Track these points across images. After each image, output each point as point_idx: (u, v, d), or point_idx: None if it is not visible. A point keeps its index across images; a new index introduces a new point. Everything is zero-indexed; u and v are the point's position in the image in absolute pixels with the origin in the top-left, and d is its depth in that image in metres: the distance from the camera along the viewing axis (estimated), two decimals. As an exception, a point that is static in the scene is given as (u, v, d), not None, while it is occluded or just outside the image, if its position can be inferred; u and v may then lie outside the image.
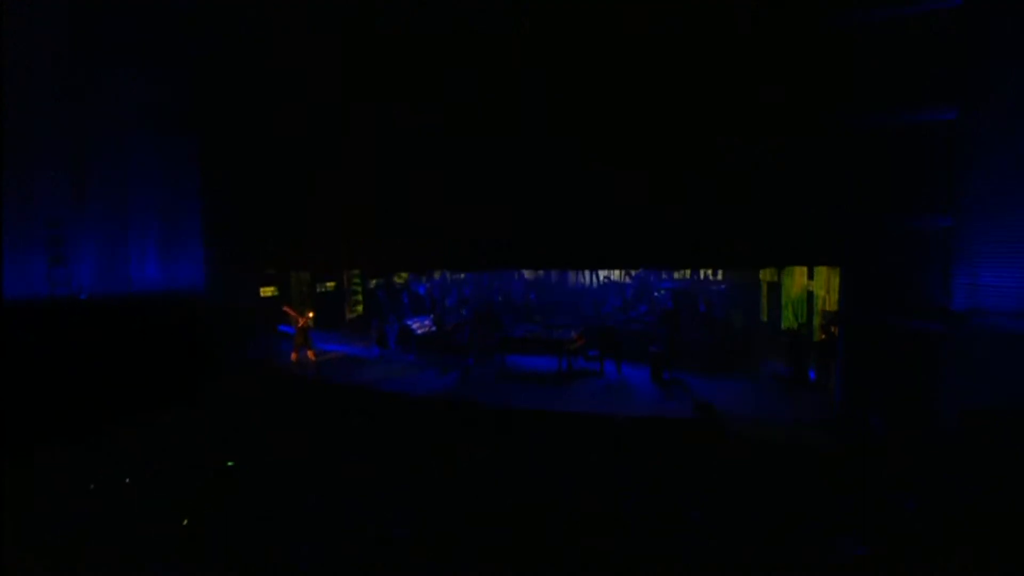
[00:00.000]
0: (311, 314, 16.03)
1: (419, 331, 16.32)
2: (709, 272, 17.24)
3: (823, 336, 11.47)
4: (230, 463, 7.38)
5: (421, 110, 11.46)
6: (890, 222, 8.46)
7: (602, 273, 19.47)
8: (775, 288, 17.15)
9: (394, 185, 12.19)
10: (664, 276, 17.52)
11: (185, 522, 6.35)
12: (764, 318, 17.39)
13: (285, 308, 16.79)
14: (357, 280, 21.80)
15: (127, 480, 7.62)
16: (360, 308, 21.28)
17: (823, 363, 10.77)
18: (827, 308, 14.01)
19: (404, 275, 22.92)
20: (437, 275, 22.77)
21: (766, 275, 17.78)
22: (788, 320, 16.12)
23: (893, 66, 8.18)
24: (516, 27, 10.20)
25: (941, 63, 7.92)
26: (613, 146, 9.93)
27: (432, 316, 17.24)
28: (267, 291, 19.50)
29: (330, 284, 21.43)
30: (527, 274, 21.83)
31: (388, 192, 12.27)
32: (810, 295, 15.41)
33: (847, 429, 8.36)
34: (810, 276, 15.35)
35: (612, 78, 9.66)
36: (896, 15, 7.99)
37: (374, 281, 21.80)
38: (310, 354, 15.52)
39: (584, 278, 19.82)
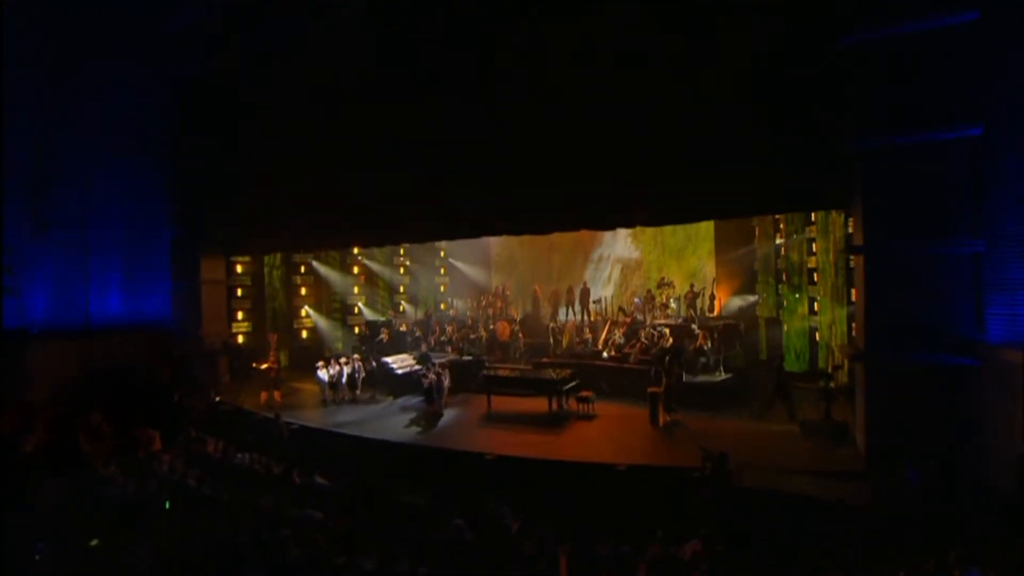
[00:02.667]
0: (273, 345, 14.96)
1: (399, 371, 15.23)
2: (706, 307, 16.50)
3: (831, 382, 10.40)
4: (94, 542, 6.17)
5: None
6: (914, 247, 7.77)
7: (593, 311, 18.65)
8: (773, 324, 16.41)
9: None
10: (659, 312, 16.73)
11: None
12: (763, 356, 16.57)
13: (268, 342, 15.75)
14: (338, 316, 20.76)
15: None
16: (340, 345, 20.16)
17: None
18: (833, 344, 13.25)
19: (388, 313, 21.94)
20: (422, 313, 21.82)
21: (763, 311, 17.07)
22: (790, 361, 15.30)
23: (911, 83, 7.68)
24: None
25: (962, 78, 7.44)
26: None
27: (416, 354, 16.18)
28: (241, 327, 18.40)
29: (308, 322, 20.37)
30: (515, 311, 20.96)
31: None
32: (812, 331, 14.68)
33: (878, 480, 7.39)
34: (811, 311, 14.65)
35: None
36: (912, 31, 7.54)
37: (355, 322, 20.75)
38: (277, 395, 14.32)
39: (575, 314, 18.96)
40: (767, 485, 7.58)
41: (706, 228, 18.97)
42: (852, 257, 12.35)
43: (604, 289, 20.64)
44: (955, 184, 7.57)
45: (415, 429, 11.86)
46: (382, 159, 11.99)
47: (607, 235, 20.62)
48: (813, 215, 14.02)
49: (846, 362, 11.44)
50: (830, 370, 10.90)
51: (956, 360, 7.54)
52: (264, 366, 14.57)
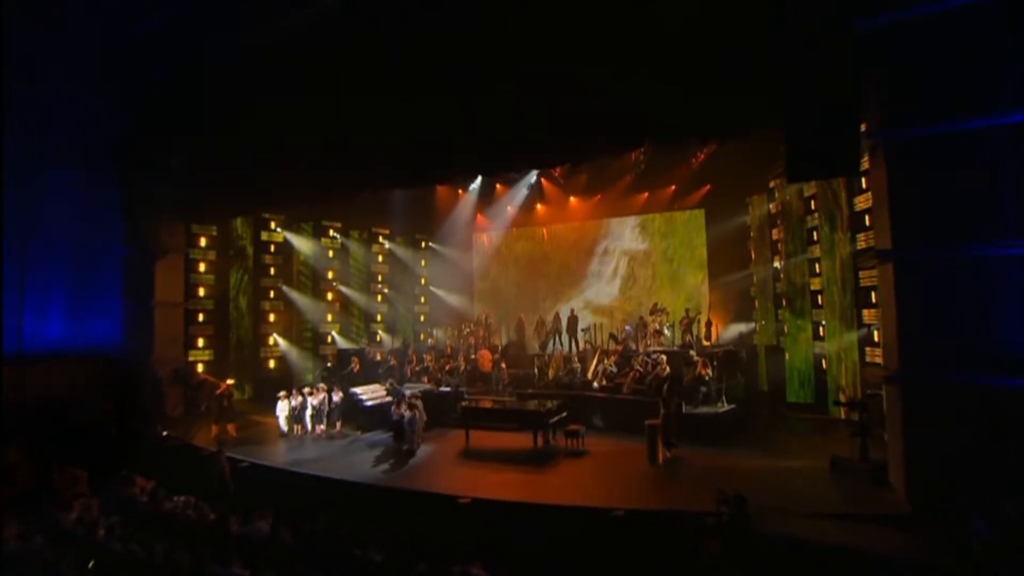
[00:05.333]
0: (231, 381, 13.51)
1: (369, 403, 13.81)
2: (702, 335, 15.42)
3: (865, 411, 9.17)
4: None
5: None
6: (952, 251, 6.81)
7: (582, 339, 17.51)
8: (775, 353, 15.38)
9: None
10: (652, 340, 15.62)
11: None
12: (764, 387, 15.48)
13: (205, 376, 14.33)
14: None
15: None
16: (310, 376, 18.64)
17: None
18: (844, 376, 12.18)
19: (365, 340, 20.57)
20: (400, 343, 20.48)
21: (763, 339, 16.06)
22: (793, 391, 14.21)
23: (941, 67, 6.89)
24: None
25: (996, 60, 6.66)
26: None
27: (388, 385, 14.77)
28: (201, 355, 16.88)
29: (276, 351, 18.93)
30: (498, 339, 19.73)
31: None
32: (817, 359, 13.63)
33: (932, 528, 6.18)
34: (816, 335, 13.64)
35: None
36: (938, 10, 6.80)
37: (328, 351, 19.31)
38: (230, 428, 12.80)
39: (562, 343, 17.80)
40: (794, 533, 6.34)
41: (700, 252, 18.23)
42: (862, 273, 11.50)
43: (610, 284, 19.91)
44: (996, 178, 6.68)
45: (381, 468, 10.43)
46: (346, 111, 10.99)
47: (613, 227, 20.07)
48: (816, 234, 13.18)
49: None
50: (865, 399, 9.70)
51: (1007, 381, 6.48)
52: (219, 391, 13.08)
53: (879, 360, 10.80)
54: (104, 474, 10.36)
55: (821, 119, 7.07)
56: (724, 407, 11.73)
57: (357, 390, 14.17)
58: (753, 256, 16.62)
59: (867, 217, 11.05)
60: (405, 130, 10.36)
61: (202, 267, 16.86)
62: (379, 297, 21.90)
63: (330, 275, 20.10)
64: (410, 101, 10.09)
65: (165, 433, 13.25)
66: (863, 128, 7.58)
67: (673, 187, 18.45)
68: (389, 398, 13.85)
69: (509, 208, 21.55)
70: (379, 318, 21.85)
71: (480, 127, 9.83)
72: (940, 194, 6.92)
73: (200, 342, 16.81)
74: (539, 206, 21.32)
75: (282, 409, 13.04)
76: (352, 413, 13.75)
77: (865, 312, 11.43)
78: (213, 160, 12.95)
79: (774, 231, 15.47)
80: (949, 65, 6.87)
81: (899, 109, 7.18)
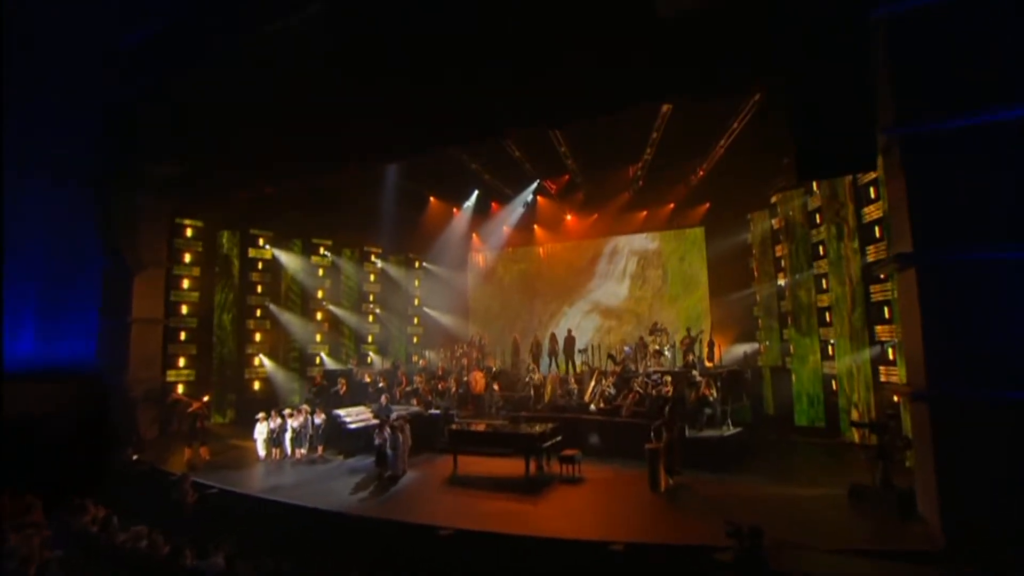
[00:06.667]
0: (206, 398, 12.73)
1: (353, 426, 13.04)
2: (704, 355, 14.73)
3: (886, 434, 8.41)
4: None
5: None
6: (980, 254, 6.21)
7: (579, 360, 16.80)
8: (780, 374, 14.67)
9: None
10: (651, 360, 14.92)
11: None
12: (770, 410, 14.72)
13: (174, 396, 13.62)
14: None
15: None
16: (296, 398, 17.86)
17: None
18: (856, 397, 11.47)
19: (353, 360, 19.83)
20: (389, 363, 19.73)
21: (768, 359, 15.37)
22: (802, 414, 13.48)
23: (960, 57, 6.41)
24: None
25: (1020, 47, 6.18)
26: None
27: (374, 407, 13.98)
28: (181, 375, 16.12)
29: (261, 372, 18.19)
30: (492, 361, 18.98)
31: None
32: (827, 380, 12.93)
33: (966, 562, 5.45)
34: (824, 355, 12.97)
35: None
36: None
37: (316, 373, 18.53)
38: (203, 451, 11.99)
39: (558, 365, 17.07)
40: (816, 571, 5.58)
41: (700, 270, 17.70)
42: (873, 287, 10.91)
43: (619, 286, 19.51)
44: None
45: (359, 495, 9.61)
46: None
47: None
48: (822, 249, 12.63)
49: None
50: (886, 420, 8.96)
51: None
52: (191, 409, 12.28)
53: (895, 379, 10.15)
54: (64, 501, 9.59)
55: (831, 115, 6.61)
56: (730, 430, 11.00)
57: (340, 412, 13.42)
58: (756, 274, 16.07)
59: (877, 228, 10.54)
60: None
61: (185, 284, 16.27)
62: (371, 317, 21.27)
63: (320, 294, 19.51)
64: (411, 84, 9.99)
65: (136, 457, 12.44)
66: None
67: (672, 205, 18.06)
68: (375, 420, 13.09)
69: (504, 228, 21.12)
70: (370, 339, 21.18)
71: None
72: (967, 191, 6.35)
73: (181, 362, 16.11)
74: (536, 227, 20.88)
75: (260, 432, 12.28)
76: (335, 436, 12.97)
77: (878, 329, 10.79)
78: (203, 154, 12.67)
79: (777, 247, 14.95)
80: (967, 54, 6.40)
81: (915, 103, 6.67)
